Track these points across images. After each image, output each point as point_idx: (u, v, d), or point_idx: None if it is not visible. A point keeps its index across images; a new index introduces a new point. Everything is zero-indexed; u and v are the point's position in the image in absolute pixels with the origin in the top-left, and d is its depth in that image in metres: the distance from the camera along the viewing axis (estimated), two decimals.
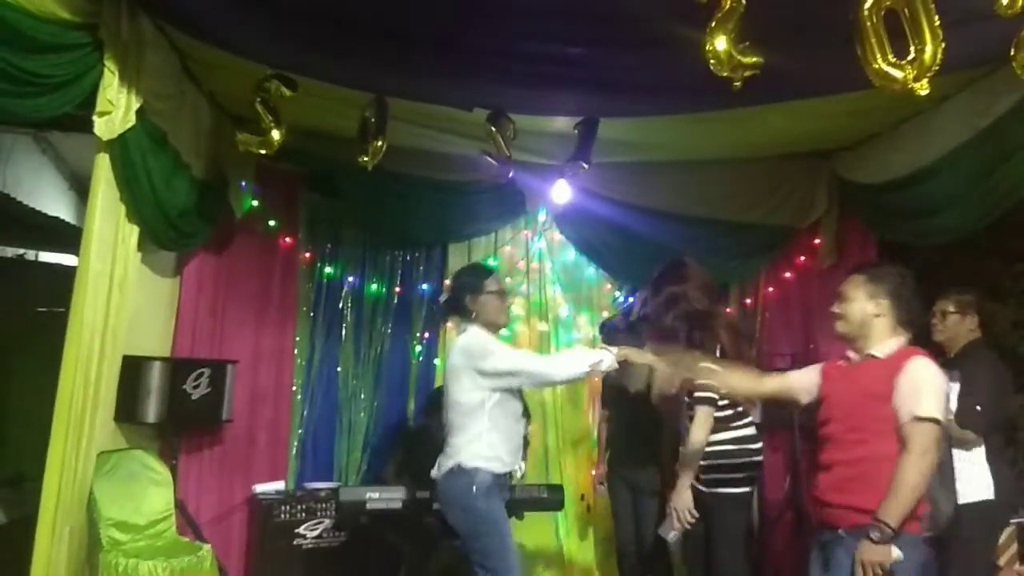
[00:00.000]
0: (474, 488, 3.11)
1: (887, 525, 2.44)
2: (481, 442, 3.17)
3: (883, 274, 2.78)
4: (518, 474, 3.38)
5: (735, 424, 3.48)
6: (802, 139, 4.40)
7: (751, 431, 3.53)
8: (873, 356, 2.73)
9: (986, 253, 5.15)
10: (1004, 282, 5.94)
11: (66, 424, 3.16)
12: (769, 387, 3.10)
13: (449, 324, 3.44)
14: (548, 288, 5.30)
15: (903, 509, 2.46)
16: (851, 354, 2.80)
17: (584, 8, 2.59)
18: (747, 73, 2.29)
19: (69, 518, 3.23)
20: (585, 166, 3.98)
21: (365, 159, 3.66)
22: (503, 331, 3.60)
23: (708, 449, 3.40)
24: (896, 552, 2.44)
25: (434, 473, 3.29)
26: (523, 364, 3.26)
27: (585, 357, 3.24)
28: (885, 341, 2.72)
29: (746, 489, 3.50)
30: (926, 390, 2.56)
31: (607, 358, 3.17)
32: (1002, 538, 4.14)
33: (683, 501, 3.36)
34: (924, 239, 4.28)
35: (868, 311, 2.72)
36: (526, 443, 3.50)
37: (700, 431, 3.36)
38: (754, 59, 2.26)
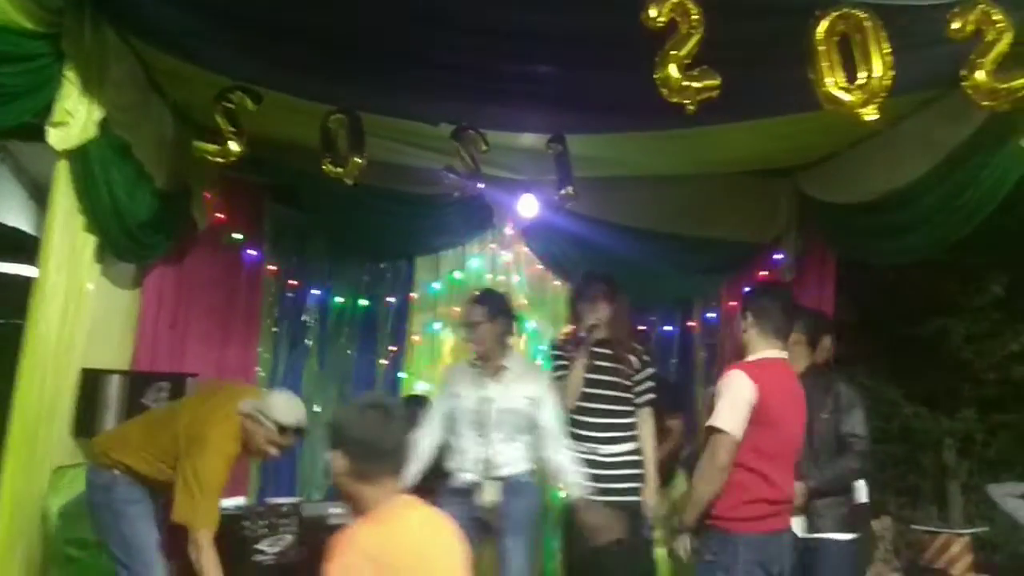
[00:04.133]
0: None
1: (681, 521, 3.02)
2: None
3: (754, 297, 3.12)
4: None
5: None
6: (763, 157, 4.48)
7: None
8: None
9: (943, 271, 5.29)
10: (959, 299, 6.10)
11: (21, 439, 3.10)
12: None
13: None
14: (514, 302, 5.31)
15: (691, 509, 2.92)
16: None
17: (549, 27, 2.63)
18: (701, 97, 2.33)
19: (24, 535, 3.18)
20: (571, 191, 3.98)
21: (341, 172, 3.61)
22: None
23: None
24: (687, 543, 2.98)
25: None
26: None
27: None
28: (752, 356, 2.99)
29: None
30: (719, 403, 2.86)
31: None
32: (955, 549, 4.25)
33: None
34: (885, 260, 4.37)
35: (745, 331, 3.01)
36: None
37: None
38: (707, 82, 2.31)
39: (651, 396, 3.85)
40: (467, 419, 3.51)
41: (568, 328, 4.04)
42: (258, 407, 3.08)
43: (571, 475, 3.46)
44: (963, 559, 4.29)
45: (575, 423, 3.70)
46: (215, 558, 2.92)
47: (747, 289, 3.24)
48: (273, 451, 3.13)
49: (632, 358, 3.82)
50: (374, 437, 2.03)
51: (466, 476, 3.49)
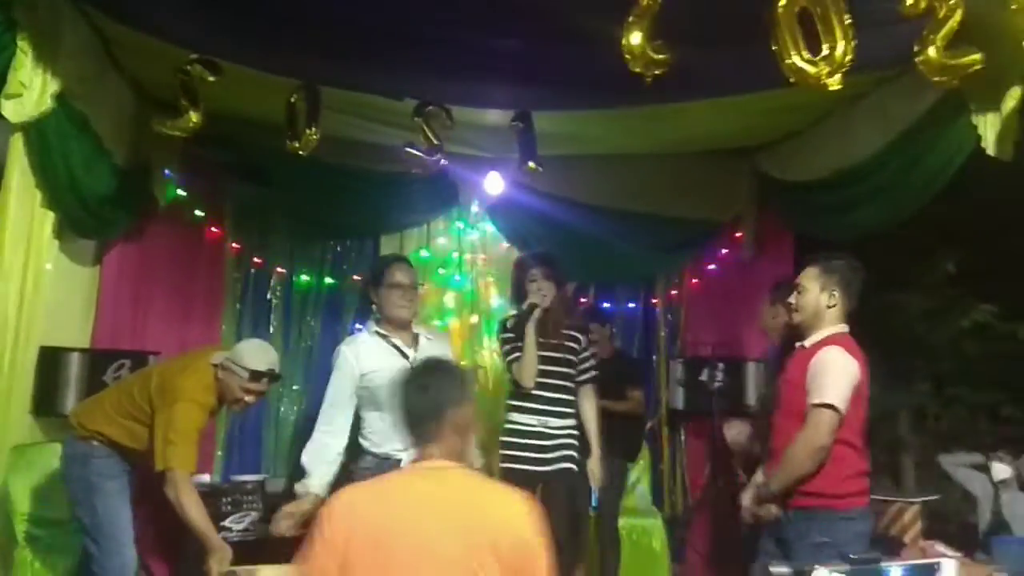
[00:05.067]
0: None
1: (766, 487, 2.88)
2: None
3: (836, 266, 2.93)
4: None
5: None
6: (724, 135, 4.54)
7: None
8: (802, 346, 2.92)
9: (896, 247, 5.41)
10: (912, 274, 6.24)
11: None
12: None
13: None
14: (480, 280, 5.34)
15: (782, 481, 2.78)
16: (803, 344, 2.96)
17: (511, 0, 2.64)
18: (657, 70, 2.37)
19: None
20: (534, 165, 4.01)
21: (296, 146, 3.62)
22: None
23: None
24: (775, 510, 2.84)
25: None
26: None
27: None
28: (824, 331, 2.87)
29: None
30: (825, 379, 2.74)
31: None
32: (907, 517, 4.38)
33: None
34: (840, 235, 4.47)
35: (822, 302, 2.88)
36: None
37: None
38: (663, 56, 2.34)
39: (594, 374, 3.92)
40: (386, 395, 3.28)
41: (513, 310, 4.03)
42: (229, 356, 3.12)
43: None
44: (914, 527, 4.42)
45: (528, 397, 3.71)
46: (196, 496, 2.93)
47: (823, 258, 2.95)
48: (249, 398, 3.14)
49: (579, 336, 3.87)
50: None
51: (398, 455, 3.26)
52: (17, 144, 3.15)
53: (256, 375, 3.10)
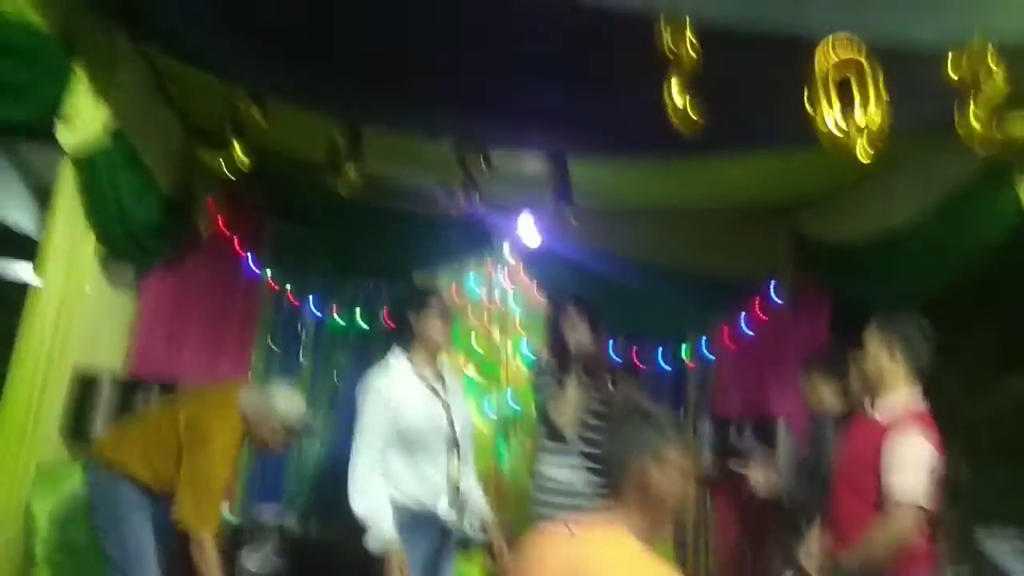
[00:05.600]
0: None
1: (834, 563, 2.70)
2: None
3: (897, 325, 2.85)
4: None
5: None
6: (762, 193, 4.51)
7: None
8: (872, 417, 2.82)
9: (936, 312, 5.29)
10: (952, 343, 6.06)
11: (9, 438, 3.11)
12: None
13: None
14: (509, 324, 5.34)
15: (856, 563, 2.64)
16: (867, 408, 2.88)
17: (552, 46, 2.67)
18: (695, 129, 2.37)
19: (4, 532, 3.16)
20: (569, 207, 3.97)
21: (338, 184, 3.65)
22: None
23: None
24: None
25: None
26: None
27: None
28: (893, 396, 2.77)
29: None
30: (910, 473, 2.63)
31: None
32: None
33: None
34: (879, 300, 4.38)
35: (885, 364, 2.79)
36: None
37: None
38: (700, 117, 2.35)
39: None
40: (429, 437, 3.22)
41: (548, 352, 3.95)
42: (260, 403, 3.15)
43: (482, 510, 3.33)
44: None
45: (565, 449, 3.57)
46: (217, 561, 2.97)
47: (883, 318, 2.88)
48: (275, 446, 3.21)
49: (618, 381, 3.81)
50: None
51: (430, 506, 3.18)
52: (68, 171, 3.23)
53: (286, 425, 3.16)
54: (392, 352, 3.35)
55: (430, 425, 3.22)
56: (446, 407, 3.29)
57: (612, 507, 1.64)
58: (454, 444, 3.26)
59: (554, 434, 3.63)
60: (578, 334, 3.65)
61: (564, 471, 3.57)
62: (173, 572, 3.21)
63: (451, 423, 3.27)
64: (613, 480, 1.64)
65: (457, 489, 3.23)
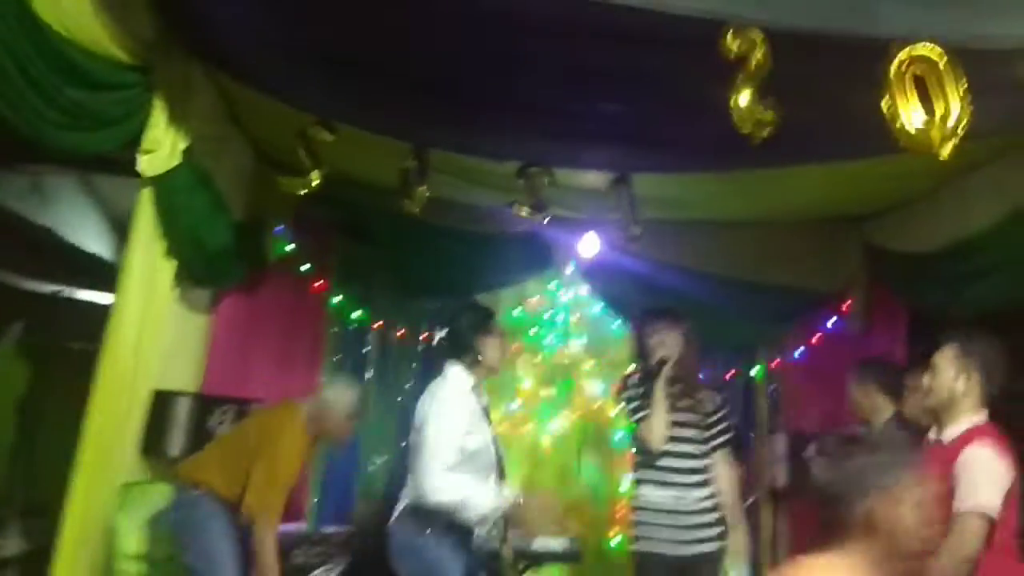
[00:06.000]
0: None
1: None
2: None
3: (975, 347, 2.70)
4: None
5: None
6: (832, 202, 4.41)
7: None
8: (938, 441, 2.70)
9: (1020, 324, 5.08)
10: None
11: (91, 455, 3.20)
12: None
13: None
14: (572, 342, 5.32)
15: None
16: (932, 433, 2.76)
17: (617, 64, 2.67)
18: (765, 131, 2.32)
19: (88, 549, 3.25)
20: (636, 230, 3.93)
21: (409, 204, 3.69)
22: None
23: None
24: None
25: None
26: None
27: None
28: (962, 420, 2.66)
29: None
30: (974, 482, 2.50)
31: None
32: None
33: None
34: (956, 311, 4.23)
35: (957, 387, 2.66)
36: None
37: None
38: (772, 115, 2.30)
39: (729, 435, 3.64)
40: (481, 455, 3.20)
41: (633, 368, 3.86)
42: (318, 402, 3.56)
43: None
44: None
45: (657, 467, 3.49)
46: (274, 549, 3.26)
47: (962, 337, 2.72)
48: (341, 434, 3.63)
49: (709, 394, 3.66)
50: None
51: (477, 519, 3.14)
52: (146, 197, 3.35)
53: (347, 415, 3.58)
54: (451, 366, 3.34)
55: (482, 443, 3.22)
56: (492, 427, 3.35)
57: (842, 545, 1.57)
58: (498, 464, 3.30)
59: (643, 452, 3.56)
60: (667, 348, 3.53)
61: (655, 490, 3.51)
62: None
63: (495, 443, 3.32)
64: (839, 517, 1.58)
65: (499, 507, 3.18)
